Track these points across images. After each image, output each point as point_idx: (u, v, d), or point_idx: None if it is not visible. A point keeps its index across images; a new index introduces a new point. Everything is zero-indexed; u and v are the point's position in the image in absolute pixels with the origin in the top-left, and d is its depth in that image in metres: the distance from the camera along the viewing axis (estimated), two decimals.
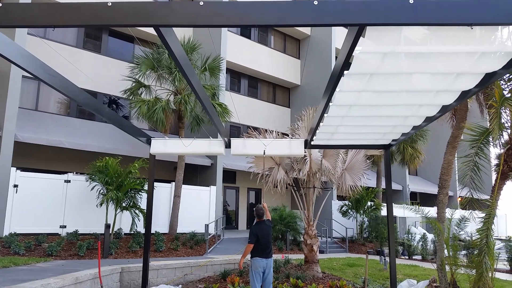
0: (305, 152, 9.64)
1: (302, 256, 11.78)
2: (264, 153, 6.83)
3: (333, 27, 22.76)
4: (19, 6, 2.54)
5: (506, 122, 7.71)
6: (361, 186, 11.68)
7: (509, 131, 7.84)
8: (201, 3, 2.44)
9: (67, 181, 13.06)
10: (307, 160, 10.68)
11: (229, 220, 20.96)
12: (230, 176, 20.53)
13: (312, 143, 6.51)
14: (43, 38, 15.16)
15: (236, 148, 6.86)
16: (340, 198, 21.41)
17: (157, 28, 2.65)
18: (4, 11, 2.49)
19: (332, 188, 14.38)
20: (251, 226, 7.22)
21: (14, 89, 12.48)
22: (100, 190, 12.40)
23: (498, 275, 10.43)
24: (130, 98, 15.23)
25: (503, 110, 7.25)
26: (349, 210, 19.37)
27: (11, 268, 8.71)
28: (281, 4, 2.44)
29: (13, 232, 11.56)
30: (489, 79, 3.50)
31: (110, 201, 12.19)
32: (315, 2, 2.39)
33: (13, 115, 12.37)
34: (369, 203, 19.29)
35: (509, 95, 7.75)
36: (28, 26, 2.62)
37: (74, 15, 2.46)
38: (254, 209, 7.15)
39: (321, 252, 15.65)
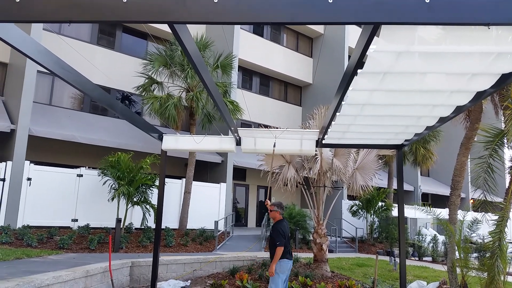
0: (316, 150, 9.61)
1: (311, 255, 11.77)
2: (274, 145, 6.52)
3: (346, 26, 22.61)
4: (35, 1, 2.57)
5: None
6: (372, 186, 11.61)
7: None
8: (216, 0, 2.45)
9: (80, 175, 13.22)
10: (318, 158, 10.64)
11: (238, 217, 21.02)
12: (240, 173, 20.56)
13: (324, 141, 6.48)
14: (58, 34, 15.33)
15: (246, 146, 6.86)
16: (350, 197, 21.28)
17: (171, 25, 2.66)
18: (21, 6, 2.52)
19: (342, 187, 14.31)
20: (274, 226, 6.40)
21: (29, 84, 12.66)
22: (111, 185, 12.53)
23: (510, 278, 10.28)
24: (143, 94, 15.36)
25: None
26: (359, 210, 19.27)
27: (24, 259, 8.85)
28: (295, 2, 2.43)
29: (26, 225, 11.75)
30: (506, 80, 3.44)
31: (122, 196, 12.30)
32: (330, 0, 2.38)
33: (27, 109, 12.55)
34: (380, 203, 19.16)
35: None
36: (44, 21, 2.65)
37: (89, 11, 2.48)
38: (276, 204, 6.47)
39: (331, 251, 15.61)
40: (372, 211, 19.11)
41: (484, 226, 8.67)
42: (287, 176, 10.82)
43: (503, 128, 7.74)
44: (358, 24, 2.42)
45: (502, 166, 8.81)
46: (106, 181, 12.46)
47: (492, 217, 7.73)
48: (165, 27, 16.21)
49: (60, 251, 10.49)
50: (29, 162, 12.32)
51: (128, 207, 12.72)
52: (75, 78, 3.98)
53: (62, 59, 3.73)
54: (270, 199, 6.73)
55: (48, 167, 12.97)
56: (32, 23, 12.12)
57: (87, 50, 16.25)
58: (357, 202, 19.36)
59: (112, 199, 12.33)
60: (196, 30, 15.79)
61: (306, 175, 11.38)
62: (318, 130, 6.41)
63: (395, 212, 18.80)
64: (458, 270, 8.30)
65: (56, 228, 12.04)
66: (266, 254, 11.67)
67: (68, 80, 3.82)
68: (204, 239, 13.94)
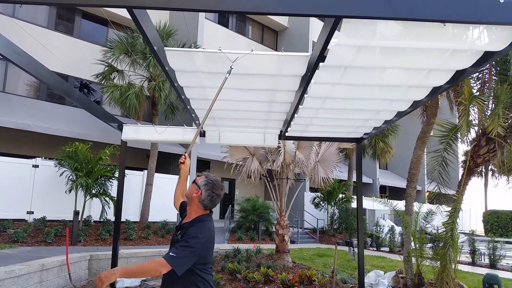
0: (279, 143, 9.67)
1: (273, 246, 11.89)
2: (229, 72, 3.66)
3: (310, 20, 22.81)
4: None
5: (474, 120, 7.95)
6: (333, 178, 11.85)
7: (476, 128, 8.09)
8: None
9: (35, 166, 12.70)
10: (281, 151, 10.73)
11: None
12: (204, 165, 20.41)
13: (287, 134, 6.52)
14: (11, 17, 14.58)
15: (211, 137, 6.80)
16: (312, 190, 21.65)
17: (130, 10, 2.57)
18: None
19: (305, 179, 14.51)
20: (195, 221, 2.95)
21: None
22: (69, 176, 12.11)
23: (460, 267, 10.82)
24: (103, 82, 14.85)
25: (472, 107, 7.45)
26: (321, 202, 19.66)
27: None
28: None
29: None
30: (459, 76, 3.58)
31: (80, 187, 11.92)
32: None
33: None
34: (340, 195, 19.62)
35: (478, 93, 7.99)
36: None
37: None
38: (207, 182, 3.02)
39: (292, 242, 15.84)
40: (333, 203, 19.54)
41: (438, 217, 9.02)
42: (251, 168, 10.85)
43: (457, 123, 8.05)
44: (319, 16, 2.44)
45: (456, 160, 9.18)
46: (63, 172, 12.02)
47: (445, 208, 8.06)
48: (125, 13, 15.81)
49: (14, 245, 10.06)
50: None
51: (87, 199, 12.34)
52: (29, 63, 3.78)
53: (16, 44, 3.54)
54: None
55: (1, 157, 12.38)
56: None
57: (44, 35, 15.56)
58: (319, 194, 19.73)
59: (70, 191, 11.93)
60: (159, 18, 15.44)
61: (270, 168, 11.45)
62: (304, 54, 3.78)
63: (354, 204, 19.29)
64: (413, 259, 8.61)
65: (10, 221, 11.53)
66: (229, 246, 11.67)
67: (20, 65, 3.63)
68: (166, 232, 13.77)
